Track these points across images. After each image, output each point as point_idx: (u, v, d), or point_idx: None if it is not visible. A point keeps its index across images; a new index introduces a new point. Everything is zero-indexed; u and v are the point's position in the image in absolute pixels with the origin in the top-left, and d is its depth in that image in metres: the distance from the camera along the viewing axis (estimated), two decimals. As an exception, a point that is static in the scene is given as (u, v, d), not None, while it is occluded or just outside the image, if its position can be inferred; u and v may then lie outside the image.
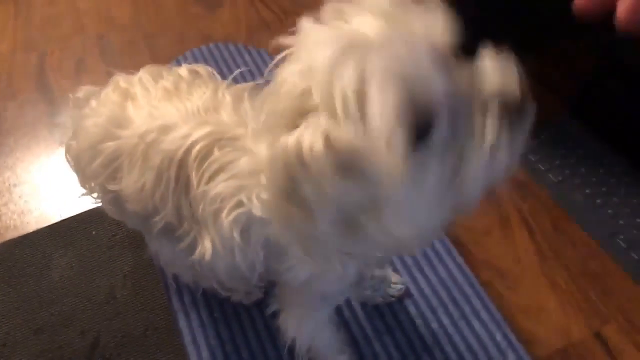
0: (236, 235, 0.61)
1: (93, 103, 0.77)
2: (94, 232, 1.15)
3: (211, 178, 0.62)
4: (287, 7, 1.56)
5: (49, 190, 1.25)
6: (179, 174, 0.65)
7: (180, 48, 1.46)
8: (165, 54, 1.45)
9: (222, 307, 1.00)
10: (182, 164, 0.64)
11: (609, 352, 0.96)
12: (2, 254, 1.14)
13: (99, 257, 1.12)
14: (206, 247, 0.64)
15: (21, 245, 1.15)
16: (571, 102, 1.25)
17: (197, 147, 0.63)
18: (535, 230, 1.10)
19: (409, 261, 1.02)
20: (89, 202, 1.04)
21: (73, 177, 1.18)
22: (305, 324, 0.77)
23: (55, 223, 1.18)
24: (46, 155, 1.32)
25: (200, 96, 0.69)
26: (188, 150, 0.64)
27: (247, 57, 1.36)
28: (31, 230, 1.17)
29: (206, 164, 0.63)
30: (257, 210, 0.56)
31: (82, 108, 0.79)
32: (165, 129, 0.66)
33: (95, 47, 1.52)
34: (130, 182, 0.69)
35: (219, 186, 0.61)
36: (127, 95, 0.73)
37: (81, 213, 1.18)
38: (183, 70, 0.75)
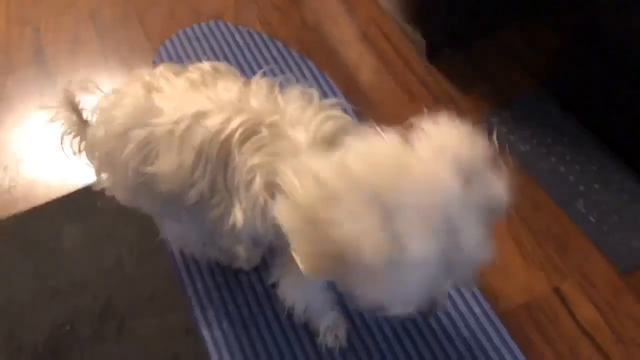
0: (261, 199, 0.69)
1: (113, 95, 0.84)
2: (99, 204, 1.25)
3: (251, 155, 0.70)
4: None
5: (54, 164, 1.33)
6: (220, 152, 0.72)
7: (171, 23, 1.52)
8: (157, 29, 1.52)
9: (224, 272, 1.11)
10: (224, 144, 0.71)
11: (566, 305, 1.09)
12: (15, 225, 1.24)
13: (105, 228, 1.22)
14: (237, 216, 0.72)
15: (32, 217, 1.24)
16: (541, 78, 1.34)
17: (240, 130, 0.70)
18: (504, 196, 1.21)
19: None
20: (93, 176, 1.14)
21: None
22: (301, 289, 0.88)
23: (63, 196, 1.27)
24: (49, 130, 1.39)
25: (228, 87, 0.76)
26: (231, 133, 0.70)
27: (237, 36, 1.43)
28: (40, 204, 1.27)
29: (248, 142, 0.70)
30: (283, 186, 0.62)
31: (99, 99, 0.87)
32: (200, 115, 0.72)
33: (89, 21, 1.58)
34: (167, 162, 0.75)
35: (257, 158, 0.69)
36: (151, 88, 0.79)
37: (86, 186, 1.27)
38: (206, 65, 0.81)
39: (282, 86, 0.77)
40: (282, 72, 1.33)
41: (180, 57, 1.39)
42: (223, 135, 0.71)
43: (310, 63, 1.35)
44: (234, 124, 0.71)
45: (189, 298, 1.09)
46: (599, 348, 1.04)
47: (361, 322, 1.04)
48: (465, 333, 1.02)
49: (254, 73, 1.30)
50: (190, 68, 0.81)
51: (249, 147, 0.70)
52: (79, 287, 1.16)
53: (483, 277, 1.10)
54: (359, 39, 1.48)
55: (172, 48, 1.41)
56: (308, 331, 1.03)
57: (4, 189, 1.30)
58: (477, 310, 1.03)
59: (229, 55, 1.37)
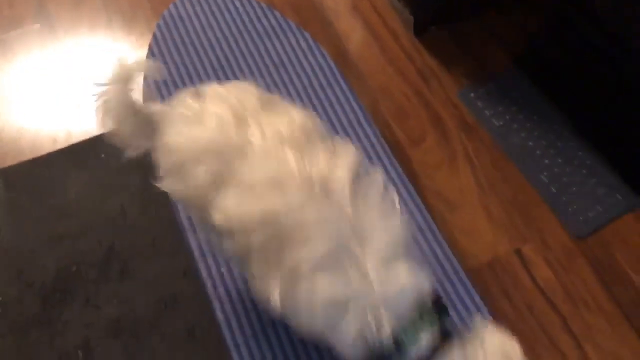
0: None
1: (195, 102, 0.83)
2: (102, 155, 1.33)
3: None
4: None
5: (59, 115, 1.41)
6: (283, 236, 0.73)
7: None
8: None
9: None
10: (293, 235, 0.73)
11: (525, 265, 1.22)
12: (22, 172, 1.32)
13: (108, 178, 1.31)
14: (275, 296, 0.74)
15: (38, 167, 1.32)
16: (517, 57, 1.45)
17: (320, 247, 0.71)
18: (477, 166, 1.33)
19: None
20: (97, 128, 1.22)
21: (81, 104, 1.36)
22: None
23: (67, 147, 1.35)
24: (53, 84, 1.46)
25: (314, 160, 0.75)
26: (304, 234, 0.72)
27: (237, 3, 1.49)
28: (45, 153, 1.35)
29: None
30: None
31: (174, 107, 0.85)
32: (277, 185, 0.73)
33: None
34: (233, 203, 0.76)
35: (321, 283, 0.72)
36: (241, 119, 0.78)
37: (90, 138, 1.36)
38: (296, 114, 0.81)
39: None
40: (280, 42, 1.41)
41: (183, 22, 1.45)
42: (296, 227, 0.72)
43: (306, 34, 1.43)
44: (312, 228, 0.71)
45: (189, 243, 1.19)
46: (551, 304, 1.18)
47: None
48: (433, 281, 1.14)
49: (253, 43, 1.40)
50: (280, 109, 0.81)
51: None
52: (84, 233, 1.25)
53: (453, 237, 1.23)
54: (351, 12, 1.57)
55: (176, 12, 1.48)
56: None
57: (10, 139, 1.38)
58: (446, 265, 1.16)
59: (230, 22, 1.44)
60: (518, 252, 1.23)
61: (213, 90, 0.84)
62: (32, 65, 1.49)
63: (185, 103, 0.84)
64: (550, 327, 1.15)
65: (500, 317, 1.14)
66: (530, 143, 1.35)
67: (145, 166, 1.30)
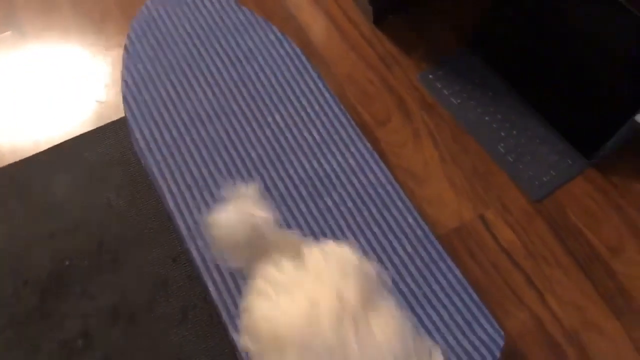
0: None
1: (289, 274, 0.77)
2: (85, 154, 1.39)
3: None
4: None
5: (38, 119, 1.45)
6: None
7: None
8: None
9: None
10: None
11: (488, 229, 1.33)
12: (10, 174, 1.36)
13: (93, 175, 1.37)
14: None
15: (25, 167, 1.37)
16: (470, 38, 1.56)
17: None
18: (439, 141, 1.43)
19: (343, 171, 1.33)
20: (78, 128, 1.28)
21: (64, 105, 1.41)
22: None
23: (49, 148, 1.40)
24: (29, 88, 1.50)
25: None
26: None
27: (207, 2, 1.56)
28: (30, 155, 1.39)
29: None
30: None
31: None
32: None
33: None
34: None
35: None
36: (336, 315, 0.71)
37: (71, 139, 1.41)
38: (395, 315, 0.75)
39: None
40: (250, 36, 1.48)
41: (155, 23, 1.51)
42: None
43: (274, 28, 1.51)
44: None
45: (178, 229, 1.26)
46: (514, 262, 1.29)
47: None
48: (409, 249, 1.24)
49: (225, 38, 1.47)
50: (382, 310, 0.75)
51: None
52: (74, 228, 1.30)
53: (422, 208, 1.33)
54: (312, 4, 1.65)
55: (148, 13, 1.53)
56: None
57: (-9, 144, 1.42)
58: (419, 232, 1.26)
59: (200, 19, 1.51)
60: (482, 217, 1.34)
61: (313, 260, 0.78)
62: (6, 71, 1.53)
63: (283, 269, 0.78)
64: (514, 283, 1.27)
65: (470, 278, 1.25)
66: (487, 118, 1.46)
67: (126, 162, 1.37)
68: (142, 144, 1.34)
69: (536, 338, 1.21)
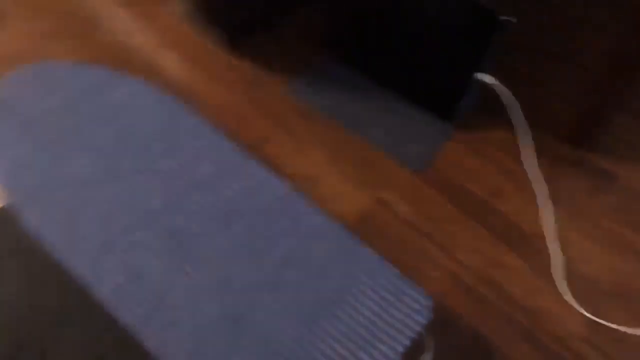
0: None
1: None
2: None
3: None
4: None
5: None
6: None
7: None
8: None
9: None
10: None
11: (388, 207, 1.45)
12: None
13: (-7, 272, 1.31)
14: None
15: None
16: (327, 44, 1.68)
17: None
18: (322, 142, 1.53)
19: (244, 195, 1.38)
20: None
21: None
22: None
23: None
24: None
25: None
26: None
27: (65, 70, 1.53)
28: None
29: None
30: None
31: None
32: None
33: None
34: None
35: None
36: None
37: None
38: None
39: None
40: (121, 94, 1.48)
41: (15, 106, 1.46)
42: None
43: (136, 79, 1.52)
44: None
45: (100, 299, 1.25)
46: (417, 229, 1.42)
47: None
48: (327, 248, 1.32)
49: (91, 103, 1.45)
50: None
51: None
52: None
53: (325, 206, 1.43)
54: (169, 46, 1.68)
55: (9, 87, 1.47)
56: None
57: None
58: (331, 230, 1.34)
59: (60, 93, 1.48)
60: (379, 200, 1.46)
61: None
62: None
63: None
64: (424, 249, 1.39)
65: (385, 255, 1.36)
66: (358, 110, 1.58)
67: (24, 250, 1.33)
68: (32, 226, 1.30)
69: (456, 290, 1.34)
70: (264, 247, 1.30)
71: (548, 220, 1.43)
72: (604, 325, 1.29)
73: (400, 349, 1.14)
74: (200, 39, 1.69)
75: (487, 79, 1.44)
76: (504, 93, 1.53)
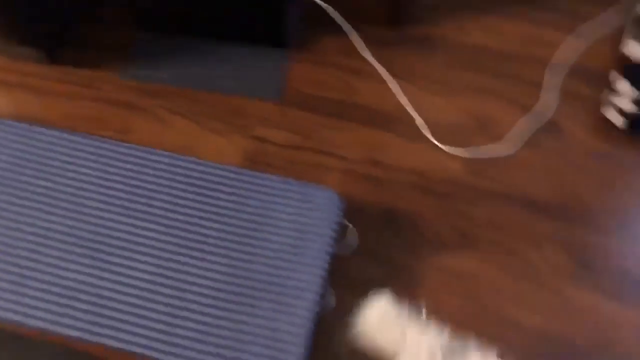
0: None
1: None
2: None
3: None
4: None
5: None
6: None
7: None
8: None
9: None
10: None
11: (265, 141, 1.54)
12: None
13: None
14: None
15: None
16: (138, 23, 1.70)
17: None
18: (179, 110, 1.58)
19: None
20: None
21: None
22: None
23: None
24: None
25: None
26: None
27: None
28: None
29: None
30: None
31: None
32: None
33: None
34: None
35: None
36: None
37: None
38: None
39: None
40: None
41: None
42: None
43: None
44: None
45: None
46: (298, 147, 1.52)
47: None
48: (230, 193, 1.37)
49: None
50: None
51: None
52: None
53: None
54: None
55: None
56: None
57: None
58: (228, 175, 1.39)
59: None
60: (255, 138, 1.54)
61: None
62: None
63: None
64: (312, 161, 1.51)
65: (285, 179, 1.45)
66: (198, 69, 1.64)
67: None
68: None
69: (353, 181, 1.48)
70: (175, 209, 1.33)
71: (399, 95, 1.60)
72: (476, 158, 1.50)
73: (330, 241, 1.26)
74: (20, 65, 1.65)
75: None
76: (322, 4, 1.68)
